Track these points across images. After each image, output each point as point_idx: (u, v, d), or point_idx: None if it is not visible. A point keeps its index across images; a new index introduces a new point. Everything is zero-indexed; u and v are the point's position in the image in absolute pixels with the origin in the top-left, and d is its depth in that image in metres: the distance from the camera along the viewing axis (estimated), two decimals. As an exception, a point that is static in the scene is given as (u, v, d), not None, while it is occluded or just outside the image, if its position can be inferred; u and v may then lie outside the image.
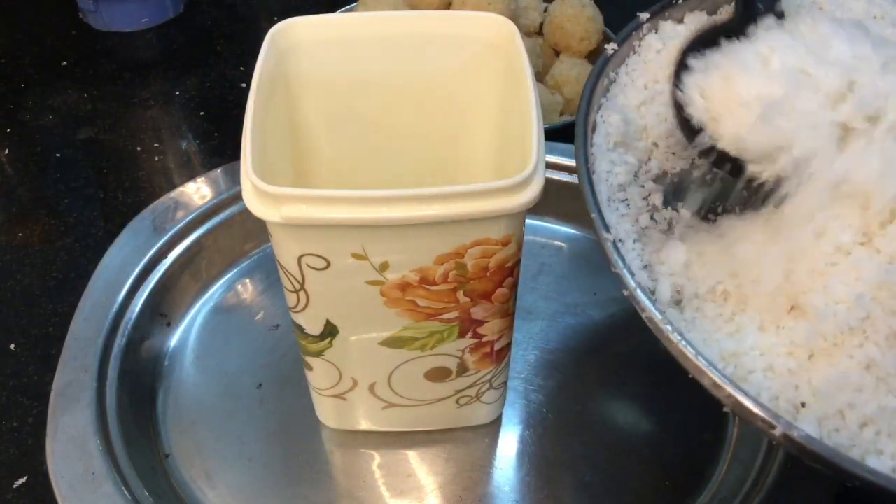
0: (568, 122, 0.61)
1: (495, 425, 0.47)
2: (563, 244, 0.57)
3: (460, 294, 0.37)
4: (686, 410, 0.48)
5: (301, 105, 0.42)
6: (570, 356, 0.50)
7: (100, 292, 0.49)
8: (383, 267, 0.35)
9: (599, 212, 0.34)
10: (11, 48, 0.77)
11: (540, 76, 0.67)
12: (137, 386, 0.48)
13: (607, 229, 0.34)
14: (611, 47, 0.40)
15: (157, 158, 0.65)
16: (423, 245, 0.34)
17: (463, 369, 0.42)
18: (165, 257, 0.52)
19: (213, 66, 0.75)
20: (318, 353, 0.40)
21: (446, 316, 0.38)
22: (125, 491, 0.41)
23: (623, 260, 0.33)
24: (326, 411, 0.46)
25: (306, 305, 0.37)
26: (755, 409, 0.29)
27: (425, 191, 0.32)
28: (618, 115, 0.39)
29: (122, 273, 0.50)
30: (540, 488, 0.44)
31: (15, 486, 0.44)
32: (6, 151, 0.66)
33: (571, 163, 0.56)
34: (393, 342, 0.39)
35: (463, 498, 0.44)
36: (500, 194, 0.32)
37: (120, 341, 0.48)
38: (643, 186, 0.38)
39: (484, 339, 0.40)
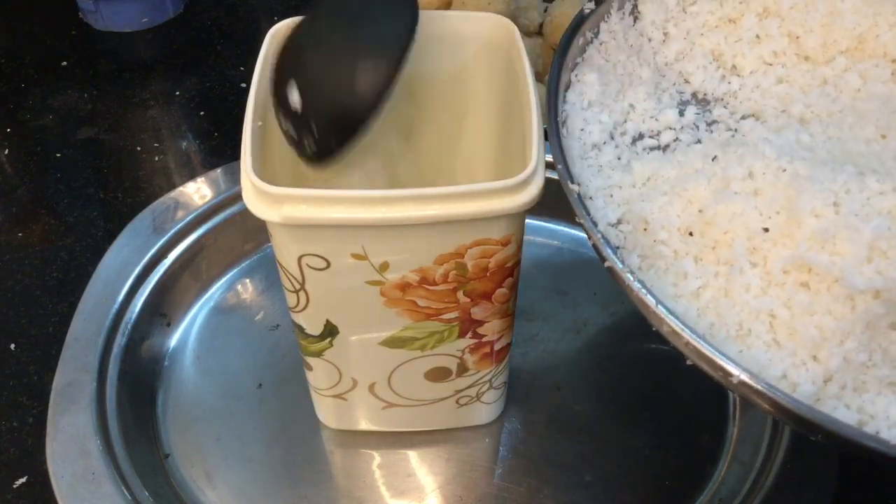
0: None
1: (495, 425, 0.47)
2: (563, 244, 0.57)
3: (460, 294, 0.37)
4: (686, 410, 0.48)
5: (301, 105, 0.42)
6: (570, 356, 0.50)
7: (100, 292, 0.49)
8: (383, 267, 0.35)
9: (565, 163, 0.34)
10: (11, 48, 0.77)
11: (540, 76, 0.67)
12: (137, 386, 0.48)
13: (572, 180, 0.34)
14: (588, 6, 0.40)
15: (157, 158, 0.65)
16: (423, 245, 0.34)
17: (463, 369, 0.42)
18: (165, 257, 0.52)
19: (213, 66, 0.75)
20: (318, 353, 0.40)
21: (446, 316, 0.38)
22: (125, 491, 0.41)
23: (587, 211, 0.33)
24: (326, 411, 0.46)
25: (306, 305, 0.37)
26: (714, 357, 0.28)
27: (425, 191, 0.32)
28: (593, 75, 0.38)
29: (122, 273, 0.50)
30: (539, 488, 0.44)
31: (15, 486, 0.44)
32: (6, 151, 0.66)
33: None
34: (393, 342, 0.39)
35: (463, 498, 0.44)
36: (500, 194, 0.32)
37: (120, 341, 0.48)
38: (618, 147, 0.38)
39: (484, 339, 0.40)
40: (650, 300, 0.30)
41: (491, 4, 0.62)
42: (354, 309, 0.37)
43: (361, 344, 0.39)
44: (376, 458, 0.46)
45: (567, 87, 0.38)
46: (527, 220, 0.36)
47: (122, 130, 0.68)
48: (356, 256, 0.34)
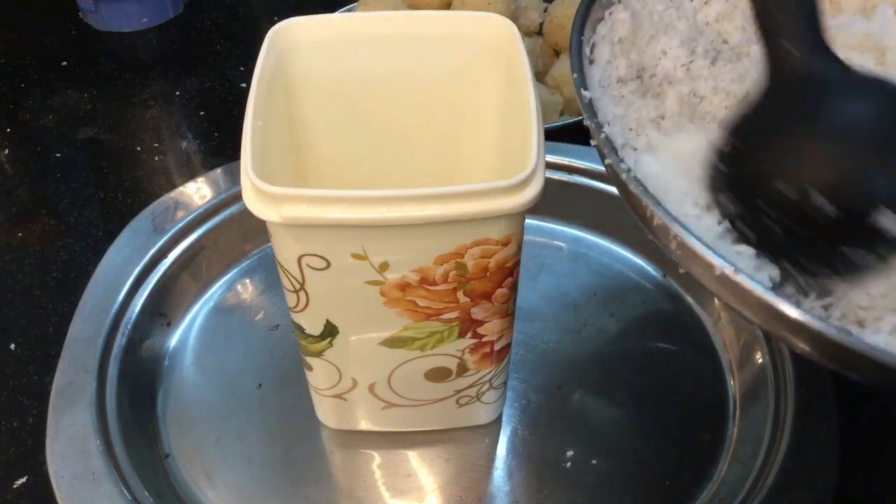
0: (568, 122, 0.61)
1: (495, 425, 0.47)
2: (563, 244, 0.57)
3: (460, 294, 0.37)
4: (686, 410, 0.48)
5: (301, 105, 0.42)
6: (570, 356, 0.50)
7: (100, 292, 0.49)
8: (383, 267, 0.35)
9: (581, 72, 0.34)
10: (11, 48, 0.77)
11: (540, 76, 0.67)
12: (137, 386, 0.48)
13: (585, 87, 0.34)
14: None
15: (157, 158, 0.65)
16: (423, 245, 0.34)
17: (463, 369, 0.42)
18: (165, 257, 0.52)
19: (213, 66, 0.75)
20: (318, 353, 0.40)
21: (446, 316, 0.38)
22: (125, 491, 0.41)
23: (594, 114, 0.33)
24: (326, 411, 0.46)
25: (306, 305, 0.37)
26: (698, 249, 0.27)
27: (425, 191, 0.32)
28: (627, 13, 0.38)
29: (122, 273, 0.50)
30: (539, 488, 0.44)
31: (15, 486, 0.44)
32: (6, 151, 0.66)
33: (572, 162, 0.56)
34: (393, 342, 0.39)
35: (463, 498, 0.44)
36: (500, 194, 0.32)
37: (120, 341, 0.48)
38: (644, 84, 0.37)
39: (484, 339, 0.40)
40: (642, 193, 0.29)
41: (491, 4, 0.62)
42: (354, 309, 0.37)
43: (361, 344, 0.39)
44: (376, 458, 0.46)
45: (599, 22, 0.38)
46: (527, 220, 0.36)
47: (122, 130, 0.68)
48: (356, 256, 0.34)
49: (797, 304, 0.27)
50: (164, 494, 0.43)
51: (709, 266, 0.27)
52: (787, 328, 0.26)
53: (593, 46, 0.37)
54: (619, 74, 0.37)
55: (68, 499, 0.40)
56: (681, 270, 0.29)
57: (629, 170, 0.31)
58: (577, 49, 0.35)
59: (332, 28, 0.41)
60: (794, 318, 0.26)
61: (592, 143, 0.33)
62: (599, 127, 0.32)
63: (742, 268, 0.27)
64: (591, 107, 0.33)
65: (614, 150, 0.32)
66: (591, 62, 0.37)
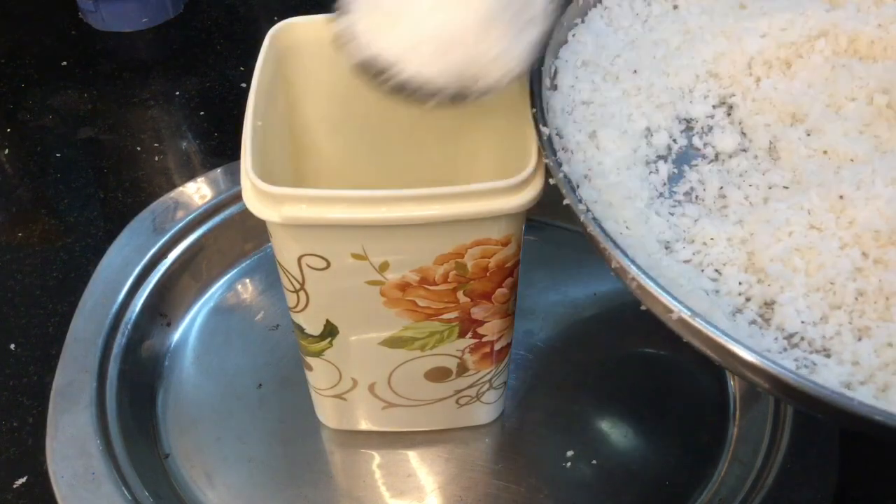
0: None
1: (495, 425, 0.47)
2: (562, 244, 0.57)
3: (460, 294, 0.37)
4: (686, 410, 0.48)
5: (301, 105, 0.42)
6: (570, 356, 0.50)
7: (100, 292, 0.49)
8: (383, 267, 0.35)
9: (541, 108, 0.34)
10: (11, 48, 0.77)
11: (540, 76, 0.67)
12: (137, 386, 0.48)
13: (545, 123, 0.33)
14: None
15: (157, 158, 0.65)
16: (423, 245, 0.34)
17: (463, 369, 0.42)
18: (165, 257, 0.52)
19: (213, 66, 0.75)
20: (318, 353, 0.40)
21: (446, 316, 0.38)
22: (125, 491, 0.41)
23: (554, 152, 0.33)
24: (326, 411, 0.46)
25: (306, 305, 0.37)
26: (658, 294, 0.28)
27: (425, 191, 0.32)
28: (591, 36, 0.38)
29: (122, 273, 0.50)
30: (539, 488, 0.44)
31: (15, 486, 0.44)
32: (6, 151, 0.66)
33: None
34: (393, 342, 0.39)
35: (463, 498, 0.44)
36: (500, 194, 0.32)
37: (120, 341, 0.48)
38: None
39: (484, 339, 0.40)
40: (600, 234, 0.30)
41: (491, 4, 0.62)
42: (354, 309, 0.37)
43: (361, 344, 0.39)
44: (376, 458, 0.46)
45: (561, 45, 0.38)
46: (527, 220, 0.36)
47: (122, 130, 0.68)
48: (356, 256, 0.34)
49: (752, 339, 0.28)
50: (163, 494, 0.43)
51: (667, 309, 0.28)
52: (744, 368, 0.27)
53: (556, 72, 0.37)
54: (582, 98, 0.37)
55: (68, 499, 0.40)
56: (642, 308, 0.30)
57: (587, 210, 0.31)
58: (538, 79, 0.35)
59: (332, 28, 0.41)
60: (748, 360, 0.26)
61: (551, 181, 0.32)
62: (559, 165, 0.32)
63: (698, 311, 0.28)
64: (550, 144, 0.33)
65: (573, 189, 0.31)
66: (555, 88, 0.37)
